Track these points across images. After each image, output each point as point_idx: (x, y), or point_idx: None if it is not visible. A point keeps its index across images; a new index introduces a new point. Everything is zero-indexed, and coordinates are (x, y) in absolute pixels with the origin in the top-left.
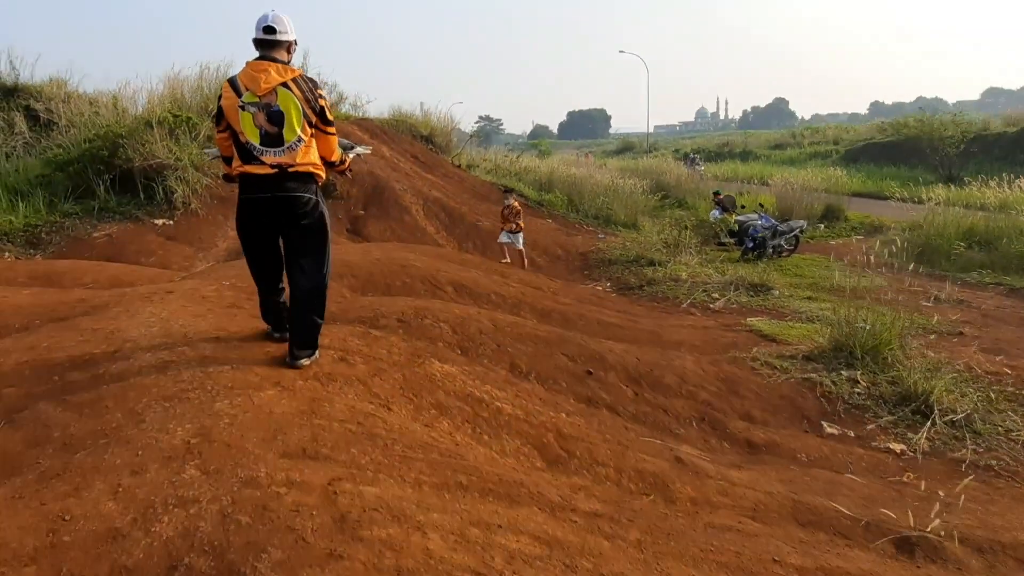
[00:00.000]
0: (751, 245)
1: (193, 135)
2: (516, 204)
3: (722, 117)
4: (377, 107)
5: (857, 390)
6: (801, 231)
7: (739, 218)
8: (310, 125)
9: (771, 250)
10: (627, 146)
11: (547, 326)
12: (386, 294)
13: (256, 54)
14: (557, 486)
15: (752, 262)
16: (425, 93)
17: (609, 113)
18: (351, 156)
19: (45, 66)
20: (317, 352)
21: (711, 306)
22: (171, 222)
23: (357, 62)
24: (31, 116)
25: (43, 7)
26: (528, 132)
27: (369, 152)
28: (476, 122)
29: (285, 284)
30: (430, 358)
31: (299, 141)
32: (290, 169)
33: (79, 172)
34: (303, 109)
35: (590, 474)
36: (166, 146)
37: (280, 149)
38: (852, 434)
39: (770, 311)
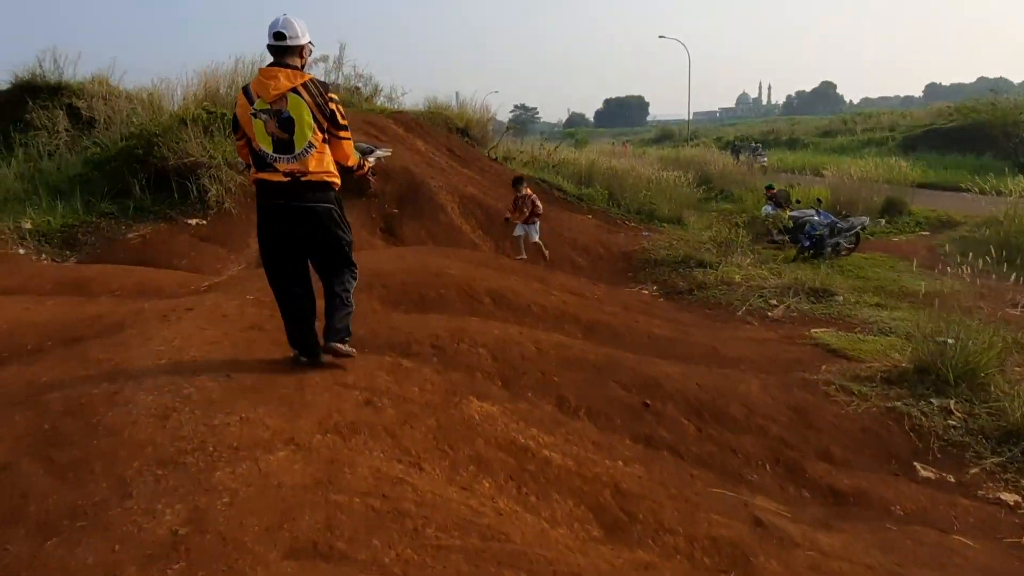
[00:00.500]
0: (808, 244)
1: (227, 132)
2: (530, 192)
3: (764, 103)
4: (412, 98)
5: (952, 423)
6: (862, 228)
7: (793, 214)
8: (322, 131)
9: (829, 249)
10: (666, 134)
11: (595, 346)
12: (420, 306)
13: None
14: (619, 567)
15: (808, 262)
16: (460, 83)
17: (647, 100)
18: (371, 160)
19: (88, 63)
20: (350, 339)
21: (769, 314)
22: (204, 222)
23: (391, 52)
24: (74, 114)
25: (88, 3)
26: (564, 121)
27: (389, 154)
28: (511, 111)
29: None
30: (468, 395)
31: (310, 147)
32: (303, 178)
33: (116, 171)
34: (314, 114)
35: (656, 545)
36: (200, 144)
37: (291, 156)
38: (952, 479)
39: (835, 320)
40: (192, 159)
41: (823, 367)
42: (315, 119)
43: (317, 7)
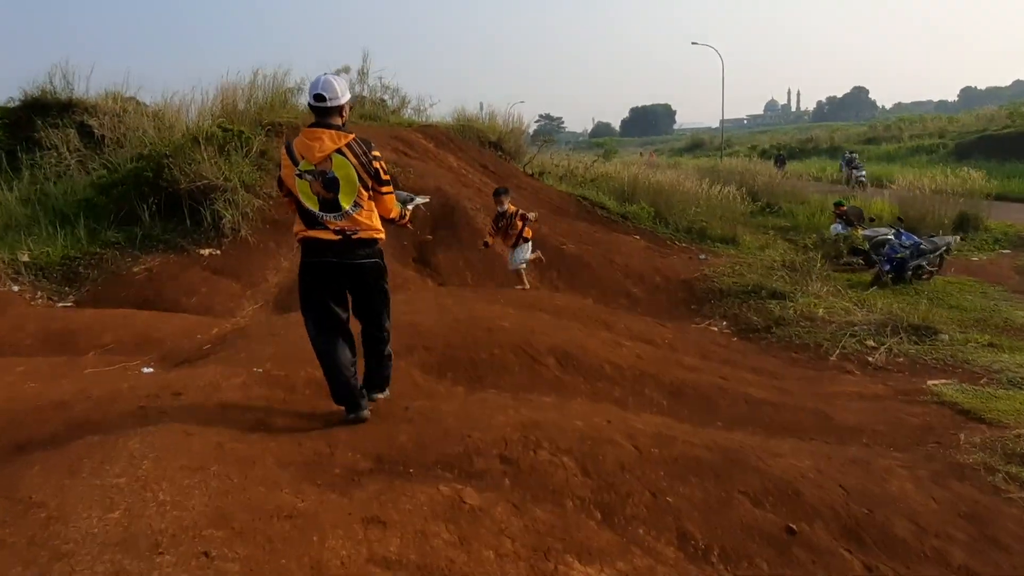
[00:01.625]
0: (888, 267)
1: (245, 151)
2: (513, 208)
3: (793, 109)
4: (440, 111)
5: None
6: (947, 249)
7: (866, 233)
8: (366, 188)
9: (910, 273)
10: (696, 142)
11: (697, 429)
12: (471, 373)
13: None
14: None
15: (887, 288)
16: (482, 93)
17: (674, 108)
18: (410, 208)
19: (102, 78)
20: (387, 389)
21: (869, 359)
22: (218, 251)
23: (410, 63)
24: (86, 132)
25: (100, 16)
26: (589, 130)
27: (427, 201)
28: (536, 121)
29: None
30: (563, 555)
31: (356, 206)
32: (354, 236)
33: (123, 196)
34: (359, 173)
35: None
36: (215, 164)
37: (339, 214)
38: None
39: (950, 367)
40: (206, 182)
41: (962, 437)
42: (360, 178)
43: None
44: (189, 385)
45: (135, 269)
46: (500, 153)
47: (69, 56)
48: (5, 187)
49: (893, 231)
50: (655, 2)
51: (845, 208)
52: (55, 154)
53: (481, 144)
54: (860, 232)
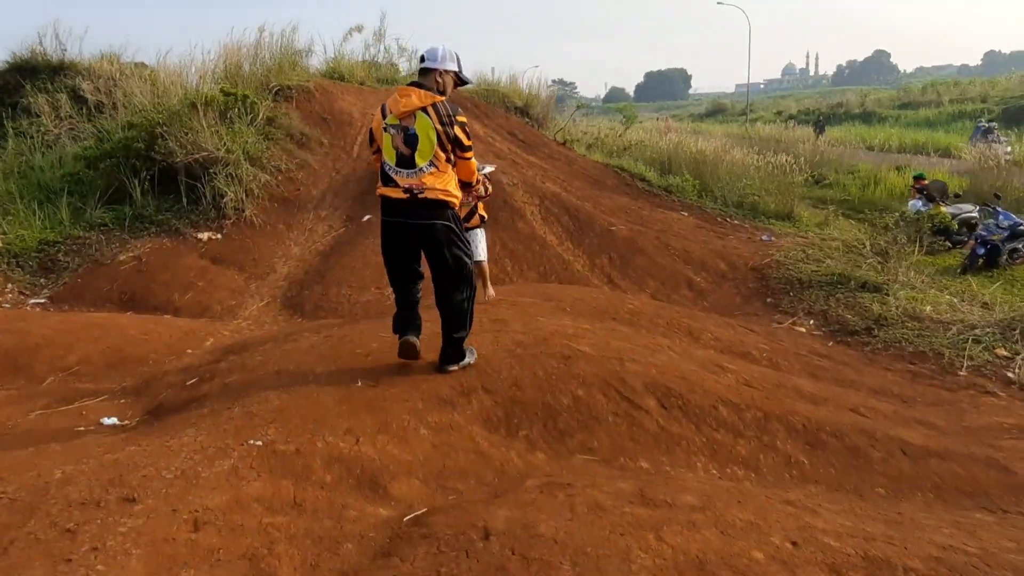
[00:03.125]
0: (981, 251)
1: (251, 118)
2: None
3: (812, 73)
4: None
5: None
6: None
7: (950, 209)
8: (444, 150)
9: (1005, 257)
10: (717, 108)
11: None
12: (551, 429)
13: None
14: None
15: (979, 274)
16: (493, 58)
17: (689, 73)
18: (483, 175)
19: (98, 39)
20: (466, 358)
21: (1009, 375)
22: (218, 236)
23: (432, 24)
24: (79, 98)
25: None
26: (603, 96)
27: (495, 169)
28: (548, 86)
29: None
30: None
31: (430, 165)
32: (420, 195)
33: (112, 169)
34: (438, 134)
35: None
36: (215, 133)
37: (412, 171)
38: None
39: None
40: (205, 153)
41: None
42: (439, 139)
43: None
44: (152, 477)
45: (121, 257)
46: (527, 120)
47: (62, 14)
48: None
49: (977, 208)
50: None
51: (927, 182)
52: (44, 122)
53: (507, 110)
54: (943, 209)
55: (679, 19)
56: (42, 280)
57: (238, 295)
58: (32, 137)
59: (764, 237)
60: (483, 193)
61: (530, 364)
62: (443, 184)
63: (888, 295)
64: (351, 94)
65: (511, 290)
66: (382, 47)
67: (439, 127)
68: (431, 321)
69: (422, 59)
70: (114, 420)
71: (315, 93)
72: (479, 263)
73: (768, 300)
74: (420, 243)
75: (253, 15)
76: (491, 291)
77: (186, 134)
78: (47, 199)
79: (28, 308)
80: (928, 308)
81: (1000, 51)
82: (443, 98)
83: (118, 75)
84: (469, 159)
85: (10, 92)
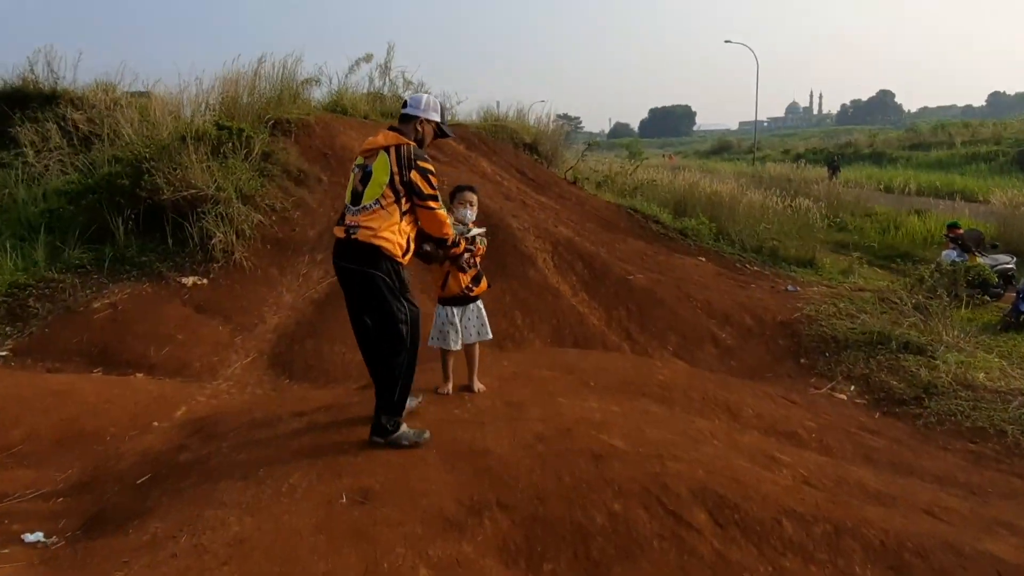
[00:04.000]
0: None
1: (246, 153)
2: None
3: (816, 112)
4: (466, 108)
5: None
6: None
7: (986, 260)
8: (393, 192)
9: None
10: (723, 145)
11: None
12: (580, 555)
13: None
14: None
15: (1022, 331)
16: (498, 93)
17: (694, 109)
18: (472, 239)
19: (91, 67)
20: (402, 434)
21: None
22: (204, 281)
23: (428, 59)
24: (71, 128)
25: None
26: (608, 131)
27: (483, 233)
28: (554, 121)
29: None
30: None
31: (375, 204)
32: (353, 235)
33: (95, 206)
34: (392, 176)
35: None
36: (207, 170)
37: (356, 209)
38: None
39: None
40: (194, 191)
41: None
42: (391, 181)
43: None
44: None
45: (96, 305)
46: (536, 157)
47: (56, 42)
48: None
49: (1013, 260)
50: (675, 3)
51: (962, 231)
52: (31, 153)
53: (515, 146)
54: (980, 260)
55: (684, 57)
56: (8, 329)
57: (221, 350)
58: (17, 169)
59: (789, 287)
60: (467, 261)
61: (554, 466)
62: (380, 226)
63: (935, 358)
64: (354, 128)
65: (525, 359)
66: (387, 80)
67: (395, 168)
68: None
69: (404, 104)
70: (39, 537)
71: (315, 127)
72: (470, 346)
73: (801, 361)
74: (354, 288)
75: (263, 44)
76: (479, 385)
77: (174, 170)
78: (27, 236)
79: None
80: (981, 375)
81: (1005, 92)
82: (411, 143)
83: (111, 105)
84: (432, 209)
85: (1, 122)
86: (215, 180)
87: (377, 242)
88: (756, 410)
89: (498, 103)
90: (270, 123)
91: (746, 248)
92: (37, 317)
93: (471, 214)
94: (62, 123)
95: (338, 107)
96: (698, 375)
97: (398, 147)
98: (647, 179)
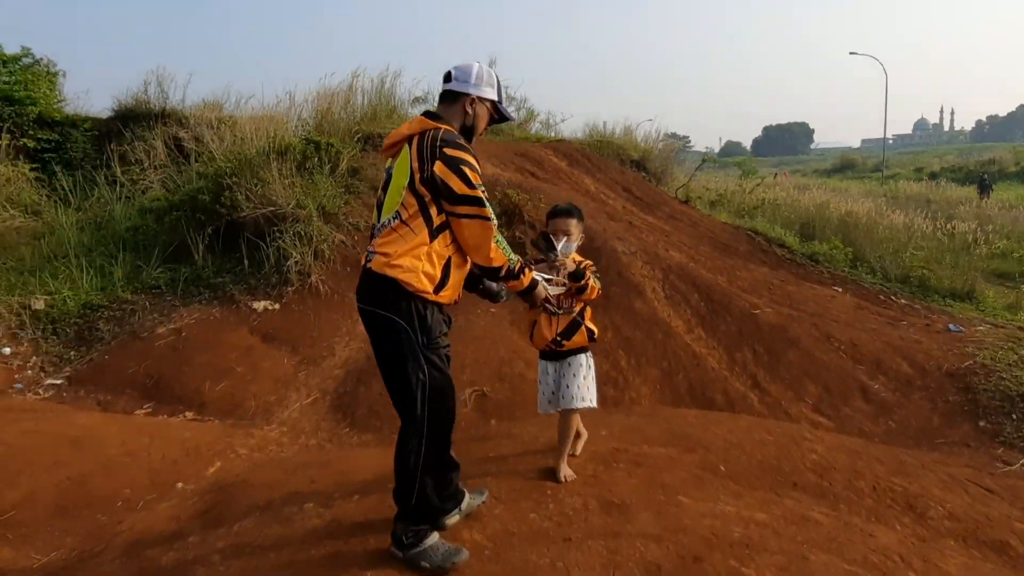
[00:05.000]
0: None
1: (332, 168)
2: (577, 258)
3: (947, 129)
4: (571, 126)
5: None
6: None
7: None
8: (415, 198)
9: None
10: (846, 163)
11: None
12: None
13: None
14: None
15: None
16: (604, 113)
17: (811, 127)
18: (577, 275)
19: (200, 89)
20: (424, 553)
21: None
22: (276, 306)
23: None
24: (178, 147)
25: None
26: (718, 150)
27: (561, 291)
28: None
29: None
30: None
31: (394, 218)
32: (368, 263)
33: (176, 223)
34: (411, 174)
35: None
36: (289, 185)
37: (378, 226)
38: None
39: None
40: (273, 208)
41: None
42: (411, 182)
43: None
44: None
45: (160, 330)
46: (644, 174)
47: (175, 62)
48: (72, 208)
49: None
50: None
51: None
52: (137, 170)
53: (622, 163)
54: None
55: (801, 72)
56: (72, 353)
57: (282, 387)
58: (123, 186)
59: (951, 327)
60: (553, 300)
61: None
62: (397, 250)
63: None
64: None
65: (630, 426)
66: None
67: (415, 164)
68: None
69: (447, 78)
70: None
71: None
72: (570, 412)
73: (981, 424)
74: (371, 335)
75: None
76: (565, 471)
77: (256, 185)
78: (115, 253)
79: (30, 394)
80: None
81: None
82: (442, 126)
83: (216, 123)
84: (470, 217)
85: (114, 140)
86: (296, 197)
87: (392, 273)
88: (947, 506)
89: (604, 123)
90: (360, 138)
91: (889, 277)
92: (102, 342)
93: (571, 246)
94: (168, 141)
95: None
96: (861, 451)
97: (423, 134)
98: (769, 198)
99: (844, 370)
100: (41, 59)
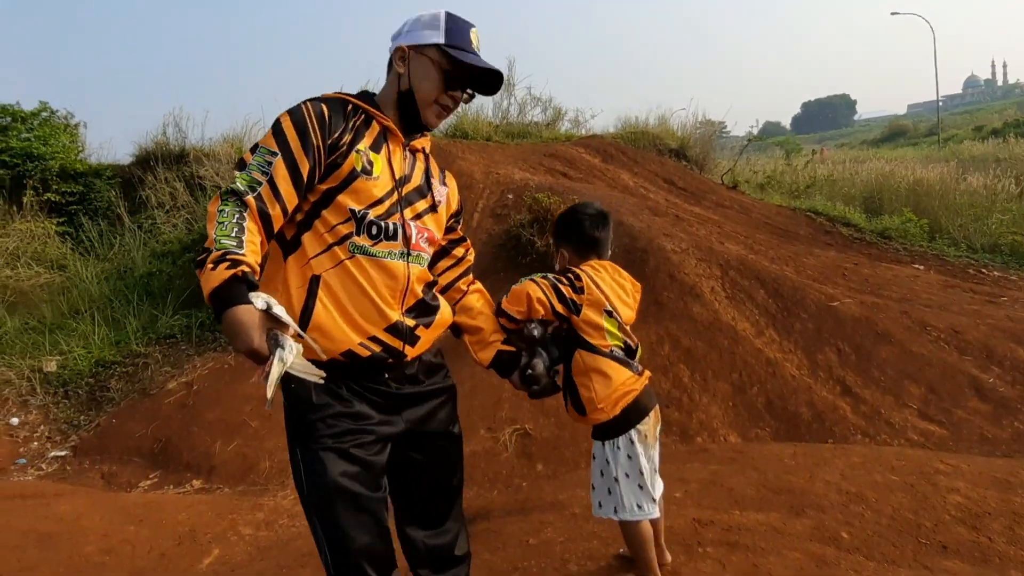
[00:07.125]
0: None
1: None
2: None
3: (1000, 83)
4: (602, 121)
5: None
6: None
7: None
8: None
9: None
10: (896, 130)
11: None
12: None
13: None
14: None
15: None
16: (636, 104)
17: (853, 98)
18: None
19: (219, 125)
20: None
21: None
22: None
23: (564, 76)
24: (199, 186)
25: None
26: (756, 132)
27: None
28: (696, 127)
29: None
30: None
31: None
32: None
33: (190, 265)
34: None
35: None
36: None
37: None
38: None
39: None
40: None
41: None
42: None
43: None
44: None
45: (171, 386)
46: (685, 163)
47: (182, 104)
48: (96, 259)
49: None
50: None
51: None
52: (160, 214)
53: (659, 153)
54: None
55: (837, 42)
56: (82, 418)
57: (286, 462)
58: (147, 231)
59: None
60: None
61: None
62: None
63: None
64: (474, 152)
65: (713, 478)
66: (513, 97)
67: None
68: None
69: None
70: None
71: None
72: (627, 523)
73: None
74: None
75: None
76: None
77: None
78: (135, 301)
79: (31, 471)
80: None
81: None
82: (334, 95)
83: (235, 157)
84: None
85: (137, 186)
86: None
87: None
88: None
89: (636, 116)
90: None
91: (975, 248)
92: (112, 403)
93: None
94: (189, 180)
95: (458, 132)
96: (1012, 478)
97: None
98: (824, 174)
99: (949, 364)
100: (58, 111)
